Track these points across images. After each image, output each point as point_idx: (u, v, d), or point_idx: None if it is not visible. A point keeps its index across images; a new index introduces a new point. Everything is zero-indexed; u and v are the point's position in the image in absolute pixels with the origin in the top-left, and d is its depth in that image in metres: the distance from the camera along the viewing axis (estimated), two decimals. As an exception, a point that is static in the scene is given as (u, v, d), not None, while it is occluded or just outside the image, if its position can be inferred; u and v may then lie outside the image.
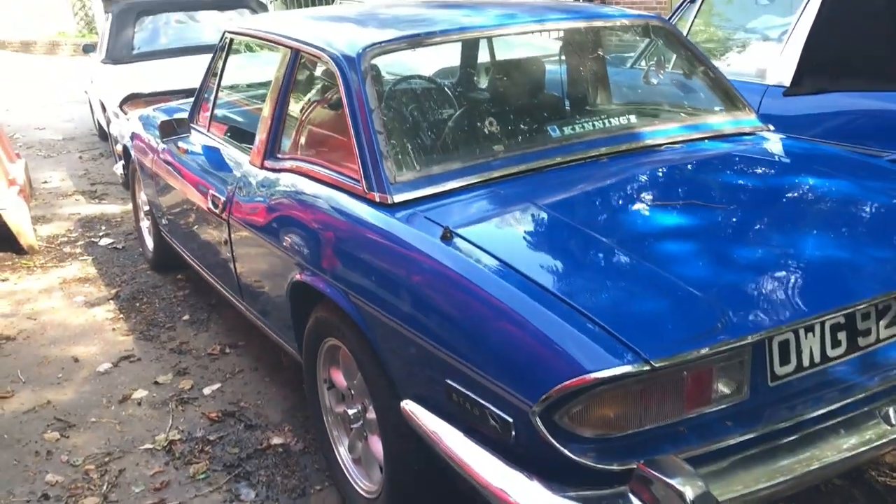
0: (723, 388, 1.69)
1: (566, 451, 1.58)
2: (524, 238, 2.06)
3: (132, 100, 5.74)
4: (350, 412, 2.40)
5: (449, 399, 1.83)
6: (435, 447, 1.89)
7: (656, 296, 1.72)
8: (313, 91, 2.89)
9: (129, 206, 5.64)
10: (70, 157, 7.97)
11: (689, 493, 1.47)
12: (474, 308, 1.81)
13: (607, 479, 1.60)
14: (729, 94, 2.85)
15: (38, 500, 2.66)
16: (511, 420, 1.65)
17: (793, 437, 1.73)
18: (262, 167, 2.84)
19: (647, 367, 1.53)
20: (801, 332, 1.77)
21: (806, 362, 1.79)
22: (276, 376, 3.39)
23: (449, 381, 1.82)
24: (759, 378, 1.74)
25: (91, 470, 2.81)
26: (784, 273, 1.85)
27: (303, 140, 2.76)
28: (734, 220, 2.11)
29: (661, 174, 2.40)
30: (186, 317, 4.03)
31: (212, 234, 3.27)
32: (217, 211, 3.07)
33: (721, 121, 2.74)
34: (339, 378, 2.49)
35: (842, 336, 1.82)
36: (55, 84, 12.90)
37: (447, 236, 1.97)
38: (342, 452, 2.54)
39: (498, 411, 1.68)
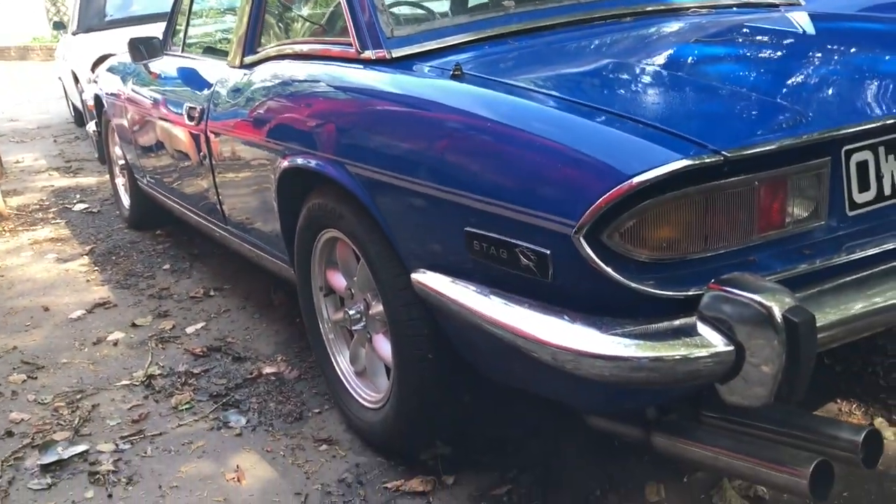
0: (798, 211, 1.42)
1: (618, 276, 1.29)
2: (546, 70, 1.78)
3: (104, 62, 5.42)
4: (350, 312, 2.12)
5: (469, 251, 1.54)
6: (454, 313, 1.60)
7: (714, 99, 1.44)
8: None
9: (105, 178, 5.35)
10: (44, 141, 7.66)
11: (777, 308, 1.19)
12: (495, 139, 1.52)
13: (668, 311, 1.32)
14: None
15: (1, 437, 2.35)
16: (548, 252, 1.37)
17: (883, 267, 1.45)
18: (241, 65, 2.56)
19: (716, 159, 1.25)
20: (882, 152, 1.50)
21: (887, 190, 1.52)
22: (267, 313, 3.10)
23: (469, 229, 1.53)
24: (838, 205, 1.47)
25: (61, 407, 2.50)
26: (854, 84, 1.59)
27: (284, 23, 2.48)
28: (787, 59, 1.83)
29: (694, 33, 2.11)
30: (167, 266, 3.73)
31: (190, 156, 2.97)
32: (193, 124, 2.78)
33: (749, -11, 2.47)
34: (338, 279, 2.20)
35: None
36: (28, 85, 12.59)
37: (458, 73, 1.69)
38: (343, 365, 2.25)
39: (531, 245, 1.40)
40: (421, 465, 2.06)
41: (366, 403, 2.14)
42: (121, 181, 4.46)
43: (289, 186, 2.21)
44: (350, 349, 2.22)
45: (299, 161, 2.07)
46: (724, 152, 1.24)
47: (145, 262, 3.83)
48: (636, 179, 1.24)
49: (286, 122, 2.19)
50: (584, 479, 1.96)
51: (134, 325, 3.08)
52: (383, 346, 2.03)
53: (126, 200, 4.39)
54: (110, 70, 4.17)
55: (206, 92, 2.74)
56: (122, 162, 4.25)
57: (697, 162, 1.24)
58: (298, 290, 2.36)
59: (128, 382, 2.63)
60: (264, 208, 2.43)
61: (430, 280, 1.67)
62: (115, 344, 2.93)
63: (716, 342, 1.25)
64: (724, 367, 1.24)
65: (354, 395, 2.19)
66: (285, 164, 2.14)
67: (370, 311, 2.05)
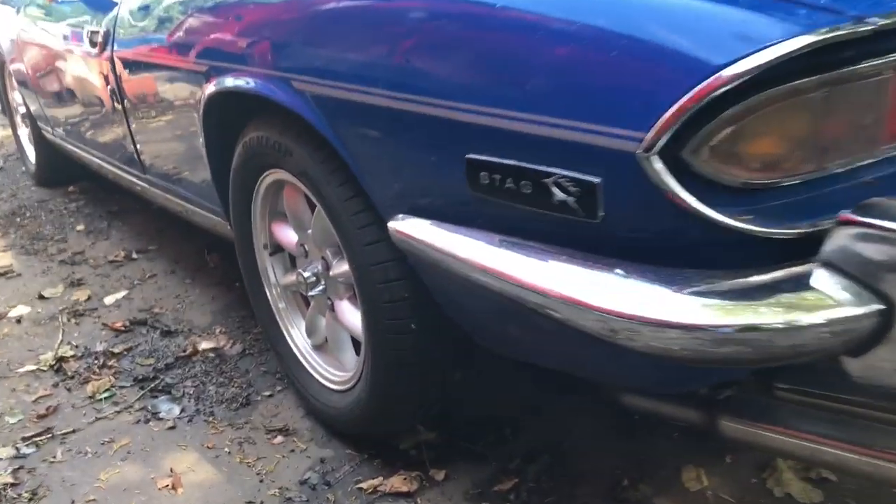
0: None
1: (705, 208, 0.90)
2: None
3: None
4: (305, 274, 1.69)
5: (473, 186, 1.13)
6: (451, 271, 1.19)
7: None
8: None
9: (8, 131, 4.74)
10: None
11: (948, 246, 0.82)
12: (508, 27, 1.10)
13: (771, 258, 0.94)
14: None
15: None
16: (598, 181, 0.97)
17: None
18: (152, -26, 2.07)
19: (862, 30, 0.85)
20: None
21: None
22: (201, 277, 2.64)
23: (472, 157, 1.11)
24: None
25: (-53, 404, 2.03)
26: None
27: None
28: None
29: None
30: (81, 227, 3.23)
31: (96, 94, 2.47)
32: (97, 52, 2.28)
33: None
34: (286, 234, 1.78)
35: None
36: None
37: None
38: (298, 339, 1.84)
39: (571, 173, 0.99)
40: (401, 456, 1.68)
41: (329, 384, 1.74)
42: (24, 132, 3.90)
43: (218, 118, 1.76)
44: (306, 319, 1.81)
45: (229, 82, 1.61)
46: (875, 18, 0.85)
47: (56, 222, 3.31)
48: (736, 69, 0.84)
49: (209, 36, 1.72)
50: (605, 466, 1.60)
51: (41, 296, 2.60)
52: (349, 314, 1.62)
53: (32, 154, 3.83)
54: (-2, 6, 3.58)
55: (110, 13, 2.24)
56: (23, 110, 3.70)
57: (831, 36, 0.84)
58: (237, 250, 1.93)
59: (33, 368, 2.17)
60: (190, 151, 1.98)
61: (417, 228, 1.26)
62: (19, 321, 2.45)
63: (846, 299, 0.87)
64: (862, 333, 0.87)
65: (314, 374, 1.78)
66: (211, 88, 1.68)
67: (331, 272, 1.63)
